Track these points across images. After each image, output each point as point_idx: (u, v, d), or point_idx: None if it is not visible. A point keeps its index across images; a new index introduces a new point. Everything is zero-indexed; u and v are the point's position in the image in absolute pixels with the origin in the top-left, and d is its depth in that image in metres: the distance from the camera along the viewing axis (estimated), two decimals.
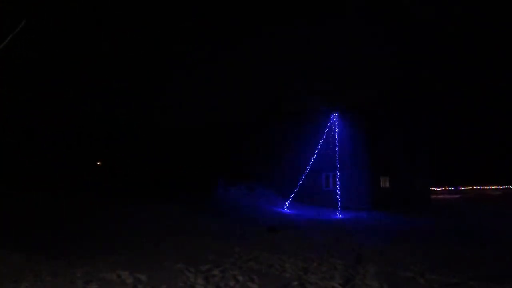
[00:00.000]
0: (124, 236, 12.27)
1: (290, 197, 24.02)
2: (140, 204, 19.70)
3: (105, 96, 31.45)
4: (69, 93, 27.06)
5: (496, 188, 60.22)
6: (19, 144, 26.23)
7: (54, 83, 24.81)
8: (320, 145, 24.55)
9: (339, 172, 23.77)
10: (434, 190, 41.89)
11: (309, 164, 24.62)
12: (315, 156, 24.52)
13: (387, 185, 25.30)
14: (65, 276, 6.85)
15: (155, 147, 32.33)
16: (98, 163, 32.32)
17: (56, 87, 25.58)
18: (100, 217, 15.99)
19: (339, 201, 22.85)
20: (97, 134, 31.50)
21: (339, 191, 23.22)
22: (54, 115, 28.16)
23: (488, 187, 61.07)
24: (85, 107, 29.26)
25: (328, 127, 24.78)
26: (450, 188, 58.23)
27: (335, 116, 24.71)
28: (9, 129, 25.15)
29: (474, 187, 62.01)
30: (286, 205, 23.19)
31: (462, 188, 59.83)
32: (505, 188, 60.83)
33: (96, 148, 31.76)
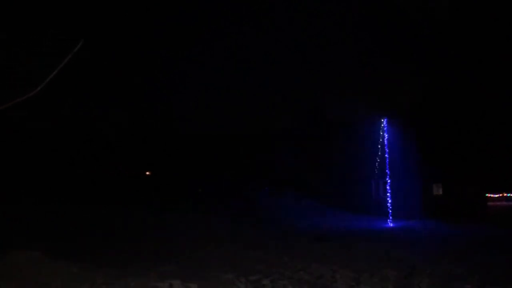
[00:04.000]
0: (169, 245, 12.51)
1: (338, 206, 23.65)
2: (185, 213, 20.05)
3: (143, 104, 32.08)
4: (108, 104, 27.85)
5: None
6: (64, 157, 27.28)
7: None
8: (369, 152, 24.04)
9: (389, 179, 23.16)
10: (490, 197, 39.90)
11: (357, 172, 24.16)
12: (363, 164, 24.05)
13: (440, 192, 24.35)
14: (119, 285, 7.03)
15: (197, 156, 32.73)
16: (147, 173, 33.20)
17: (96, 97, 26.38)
18: (144, 227, 16.45)
19: (390, 209, 22.22)
20: (143, 144, 32.29)
21: (390, 199, 22.57)
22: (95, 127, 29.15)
23: None
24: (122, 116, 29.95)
25: (377, 133, 24.24)
26: (508, 195, 55.08)
27: (383, 123, 24.14)
28: (54, 141, 26.24)
29: None
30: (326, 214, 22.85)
31: None
32: None
33: (143, 158, 32.57)
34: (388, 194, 22.91)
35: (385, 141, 23.82)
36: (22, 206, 18.37)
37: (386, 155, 23.42)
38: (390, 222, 20.92)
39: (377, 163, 23.86)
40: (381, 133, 24.17)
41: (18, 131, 20.65)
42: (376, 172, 24.03)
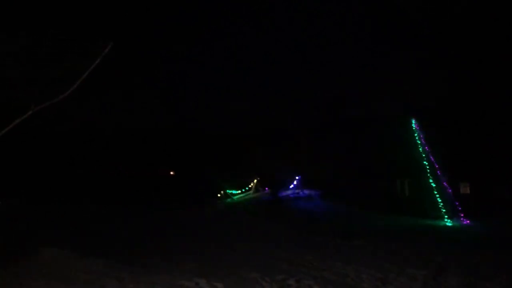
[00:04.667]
0: (194, 242, 12.60)
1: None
2: (205, 210, 20.21)
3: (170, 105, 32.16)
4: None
5: None
6: (66, 157, 27.81)
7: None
8: (394, 152, 23.68)
9: (415, 178, 22.77)
10: None
11: (382, 171, 23.81)
12: (388, 163, 23.68)
13: (467, 191, 23.79)
14: (146, 283, 7.10)
15: (217, 155, 32.74)
16: (171, 173, 33.50)
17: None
18: (168, 223, 16.66)
19: (416, 208, 21.82)
20: (164, 144, 32.50)
21: (416, 198, 22.17)
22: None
23: None
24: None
25: (403, 132, 23.85)
26: None
27: (409, 121, 23.75)
28: (80, 142, 26.76)
29: None
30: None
31: None
32: None
33: (164, 158, 32.80)
34: (414, 193, 22.55)
35: (411, 139, 23.43)
36: (37, 205, 19.03)
37: (412, 154, 23.03)
38: (416, 221, 20.54)
39: (402, 162, 23.51)
40: (407, 132, 23.78)
41: (27, 133, 21.03)
42: (401, 170, 23.68)
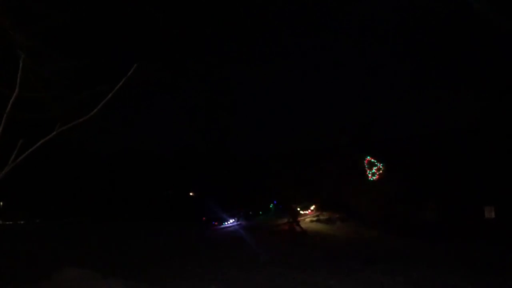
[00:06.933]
0: (215, 264, 12.51)
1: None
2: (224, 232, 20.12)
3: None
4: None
5: None
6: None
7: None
8: (416, 172, 23.29)
9: (437, 201, 22.30)
10: None
11: (404, 194, 23.41)
12: (411, 185, 23.30)
13: (493, 215, 23.09)
14: None
15: (243, 179, 32.67)
16: (191, 194, 33.62)
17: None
18: (189, 243, 16.61)
19: (440, 232, 21.29)
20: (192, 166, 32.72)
21: (438, 222, 21.69)
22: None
23: None
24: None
25: (425, 152, 23.46)
26: None
27: (431, 140, 23.36)
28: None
29: None
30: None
31: None
32: None
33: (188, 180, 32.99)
34: (437, 217, 22.05)
35: (433, 159, 23.01)
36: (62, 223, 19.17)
37: (433, 175, 22.59)
38: (440, 246, 19.98)
39: (425, 184, 23.09)
40: (429, 151, 23.38)
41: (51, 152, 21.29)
42: (425, 193, 23.25)
